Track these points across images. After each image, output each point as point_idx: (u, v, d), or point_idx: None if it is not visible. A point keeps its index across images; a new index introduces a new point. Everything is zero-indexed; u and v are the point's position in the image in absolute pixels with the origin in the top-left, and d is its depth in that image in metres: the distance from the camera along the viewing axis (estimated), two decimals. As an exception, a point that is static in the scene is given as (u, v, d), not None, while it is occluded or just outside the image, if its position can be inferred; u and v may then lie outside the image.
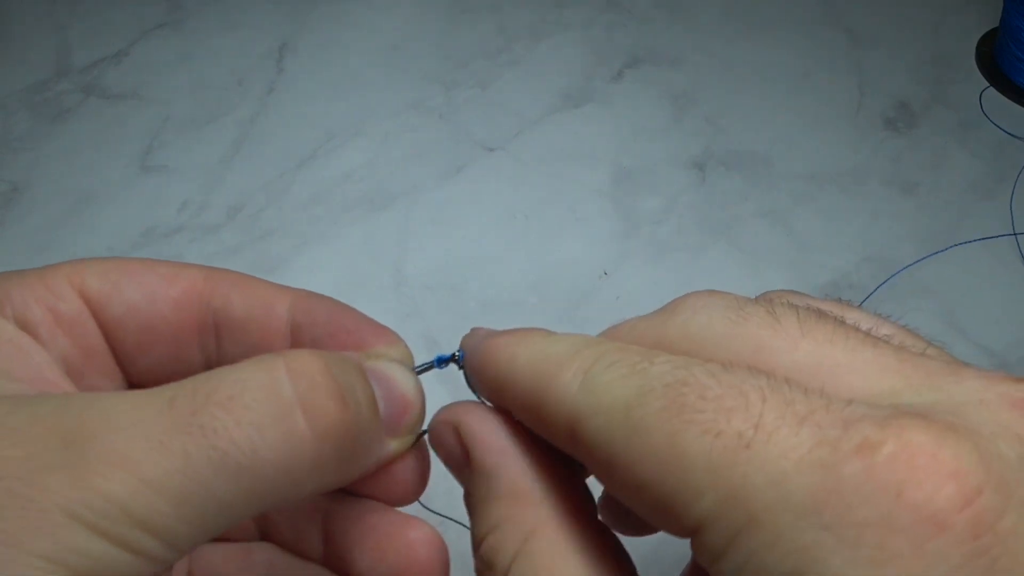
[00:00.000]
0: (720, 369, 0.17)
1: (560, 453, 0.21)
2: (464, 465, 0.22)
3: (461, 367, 0.24)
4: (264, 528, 0.26)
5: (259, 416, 0.18)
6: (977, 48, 0.66)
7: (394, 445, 0.22)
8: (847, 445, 0.15)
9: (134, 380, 0.23)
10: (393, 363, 0.22)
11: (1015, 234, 0.54)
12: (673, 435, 0.17)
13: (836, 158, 0.59)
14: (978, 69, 0.64)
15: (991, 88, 0.63)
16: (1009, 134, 0.60)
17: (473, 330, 0.24)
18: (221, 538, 0.26)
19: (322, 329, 0.23)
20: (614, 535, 0.20)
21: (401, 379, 0.22)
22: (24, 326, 0.21)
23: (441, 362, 0.25)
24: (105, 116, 0.64)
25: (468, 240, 0.55)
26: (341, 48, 0.69)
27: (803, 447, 0.15)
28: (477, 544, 0.21)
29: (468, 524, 0.23)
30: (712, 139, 0.61)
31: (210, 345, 0.23)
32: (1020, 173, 0.57)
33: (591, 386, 0.19)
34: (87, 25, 0.71)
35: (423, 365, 0.24)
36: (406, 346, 0.24)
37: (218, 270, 0.24)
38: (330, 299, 0.24)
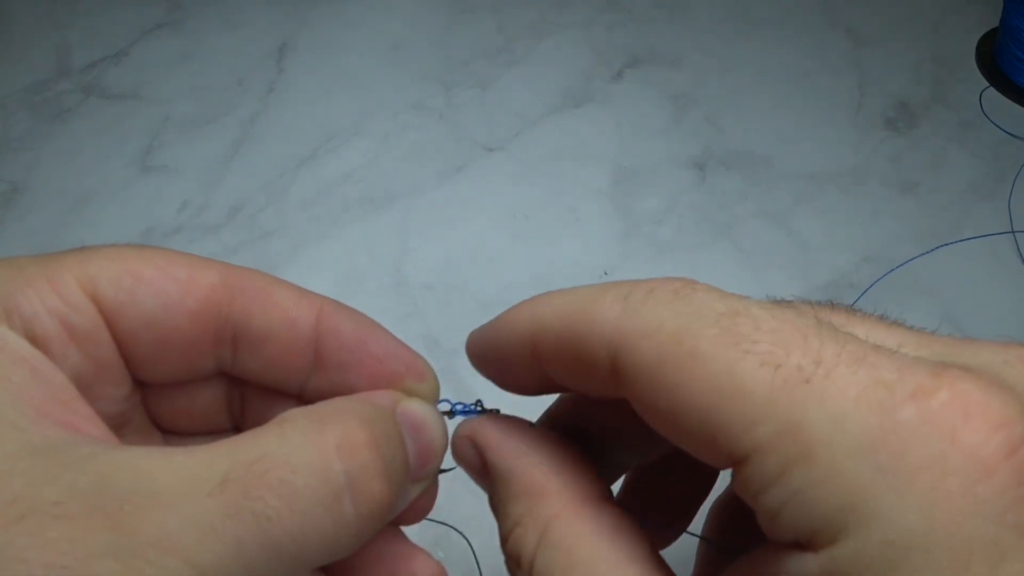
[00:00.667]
0: (771, 304, 0.18)
1: (573, 450, 0.21)
2: (484, 473, 0.22)
3: (482, 410, 0.24)
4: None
5: (311, 504, 0.18)
6: (977, 48, 0.66)
7: (416, 490, 0.21)
8: (903, 389, 0.15)
9: (143, 382, 0.22)
10: (425, 407, 0.22)
11: (1014, 232, 0.54)
12: (731, 363, 0.17)
13: (836, 158, 0.59)
14: (978, 69, 0.64)
15: (991, 88, 0.63)
16: (1009, 134, 0.60)
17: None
18: None
19: (348, 355, 0.22)
20: (632, 519, 0.20)
21: (432, 427, 0.22)
22: (35, 340, 0.20)
23: (465, 413, 0.24)
24: (105, 116, 0.64)
25: (468, 240, 0.55)
26: (341, 48, 0.69)
27: (861, 387, 0.16)
28: (504, 542, 0.21)
29: (463, 532, 0.24)
30: (712, 139, 0.61)
31: (226, 355, 0.22)
32: (1019, 172, 0.57)
33: (634, 310, 0.18)
34: (87, 25, 0.71)
35: (448, 410, 0.24)
36: (435, 378, 0.23)
37: (238, 272, 0.22)
38: (357, 315, 0.23)
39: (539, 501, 0.20)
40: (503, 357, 0.23)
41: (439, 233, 0.56)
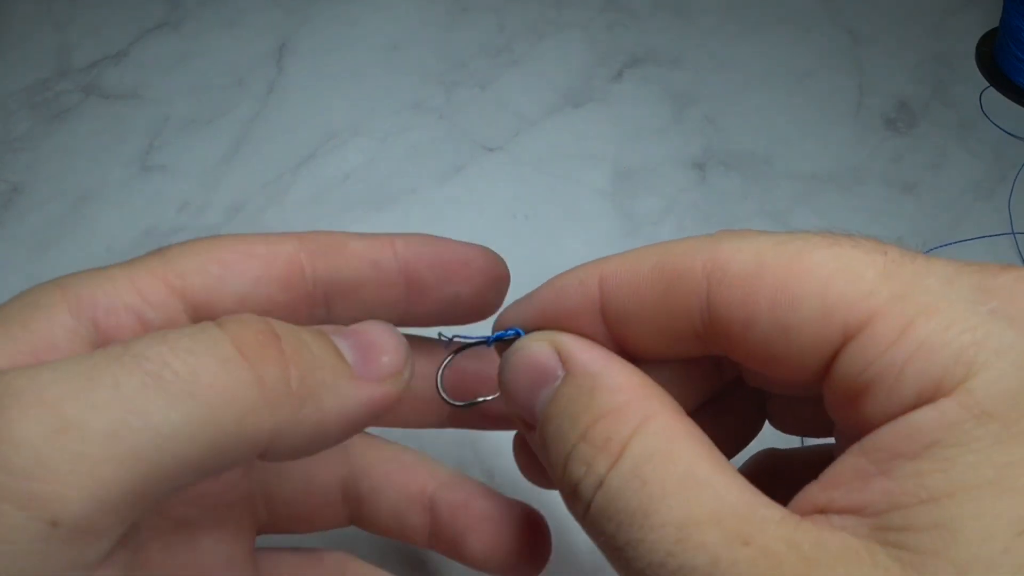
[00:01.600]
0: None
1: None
2: (553, 377, 0.21)
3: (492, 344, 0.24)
4: (359, 512, 0.26)
5: (193, 343, 0.17)
6: (977, 48, 0.66)
7: (381, 389, 0.21)
8: (992, 269, 0.18)
9: None
10: (364, 322, 0.22)
11: (1013, 233, 0.54)
12: (840, 255, 0.19)
13: (836, 158, 0.59)
14: (978, 69, 0.64)
15: (991, 88, 0.63)
16: (1009, 134, 0.60)
17: (511, 307, 0.25)
18: (294, 544, 0.26)
19: (430, 271, 0.25)
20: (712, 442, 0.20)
21: (372, 328, 0.22)
22: (104, 333, 0.20)
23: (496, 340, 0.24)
24: (105, 116, 0.64)
25: (468, 240, 0.55)
26: (341, 48, 0.68)
27: (959, 264, 0.18)
28: (578, 438, 0.20)
29: None
30: (712, 139, 0.61)
31: (320, 312, 0.23)
32: (1019, 173, 0.57)
33: (722, 238, 0.20)
34: (87, 25, 0.71)
35: (475, 339, 0.25)
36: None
37: (311, 237, 0.23)
38: (429, 237, 0.25)
39: (637, 395, 0.20)
40: (560, 326, 0.23)
41: (439, 233, 0.56)
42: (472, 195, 0.58)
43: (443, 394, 0.25)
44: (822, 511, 0.18)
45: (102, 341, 0.20)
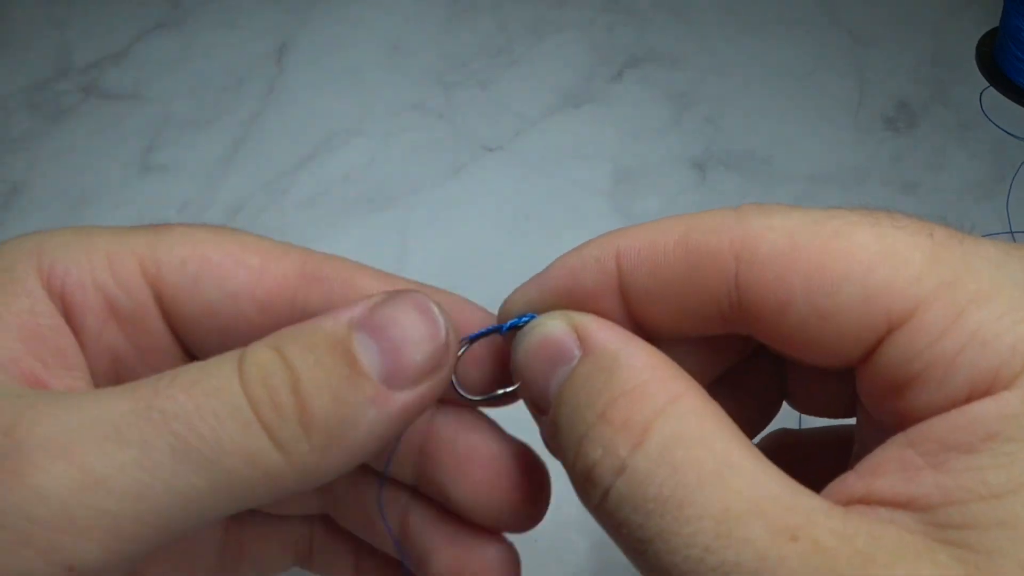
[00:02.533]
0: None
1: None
2: (569, 357, 0.20)
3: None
4: (327, 503, 0.25)
5: (219, 404, 0.17)
6: (977, 48, 0.66)
7: (409, 396, 0.19)
8: None
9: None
10: (393, 306, 0.20)
11: (1012, 233, 0.54)
12: (882, 235, 0.17)
13: (836, 158, 0.59)
14: (978, 69, 0.64)
15: (991, 88, 0.63)
16: (1009, 134, 0.60)
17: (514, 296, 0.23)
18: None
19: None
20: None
21: (406, 319, 0.19)
22: (70, 307, 0.20)
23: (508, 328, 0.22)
24: (105, 116, 0.64)
25: (468, 240, 0.55)
26: (341, 48, 0.68)
27: (1006, 246, 0.17)
28: (596, 417, 0.18)
29: None
30: (712, 139, 0.61)
31: None
32: (1018, 173, 0.57)
33: (752, 209, 0.19)
34: (87, 25, 0.71)
35: (488, 329, 0.22)
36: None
37: (320, 259, 0.22)
38: (454, 298, 0.23)
39: (663, 375, 0.18)
40: (574, 305, 0.21)
41: (439, 233, 0.56)
42: (472, 195, 0.58)
43: (458, 389, 0.23)
44: (863, 502, 0.17)
45: (66, 315, 0.20)
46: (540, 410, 0.20)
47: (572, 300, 0.21)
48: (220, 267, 0.21)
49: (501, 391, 0.22)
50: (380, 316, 0.19)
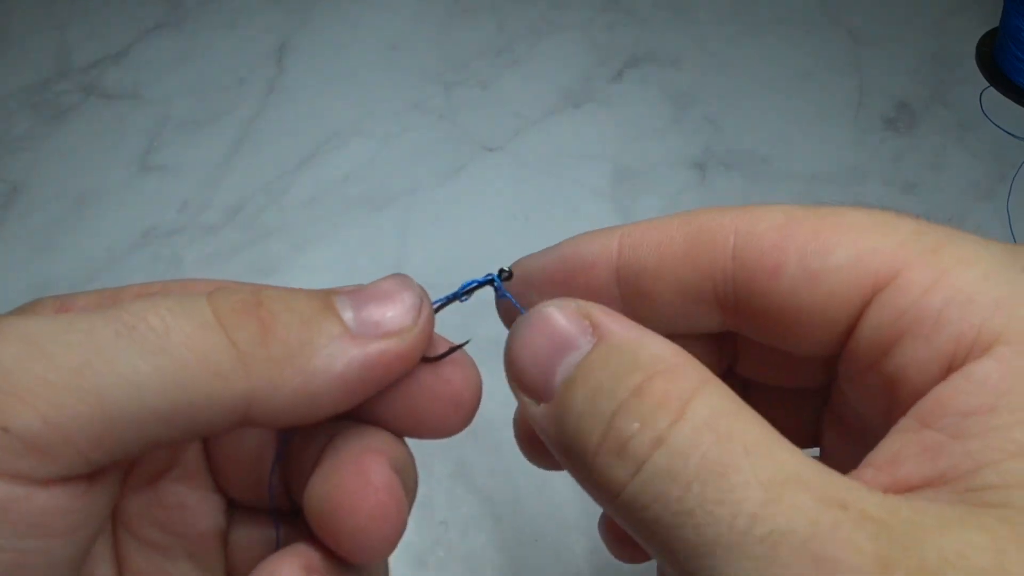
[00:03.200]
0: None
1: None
2: (578, 344, 0.19)
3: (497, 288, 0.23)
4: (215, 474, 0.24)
5: (174, 304, 0.18)
6: (977, 48, 0.66)
7: (381, 344, 0.19)
8: (1011, 249, 0.18)
9: None
10: (386, 277, 0.21)
11: (1012, 233, 0.54)
12: (872, 214, 0.19)
13: (836, 158, 0.59)
14: (978, 69, 0.64)
15: (991, 88, 0.63)
16: (1009, 134, 0.60)
17: (527, 259, 0.23)
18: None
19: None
20: None
21: (383, 282, 0.21)
22: None
23: (482, 283, 0.23)
24: (105, 116, 0.64)
25: (468, 240, 0.55)
26: (341, 48, 0.69)
27: (978, 238, 0.19)
28: (630, 394, 0.18)
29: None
30: (712, 139, 0.61)
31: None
32: (1018, 172, 0.57)
33: (749, 206, 0.20)
34: (87, 25, 0.71)
35: (447, 297, 0.23)
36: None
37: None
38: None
39: (687, 360, 0.18)
40: (572, 283, 0.22)
41: (439, 233, 0.56)
42: (472, 195, 0.58)
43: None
44: (890, 492, 0.16)
45: None
46: (538, 397, 0.20)
47: (573, 274, 0.22)
48: (203, 289, 0.22)
49: (456, 346, 0.22)
50: (363, 285, 0.21)
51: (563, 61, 0.67)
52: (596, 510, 0.44)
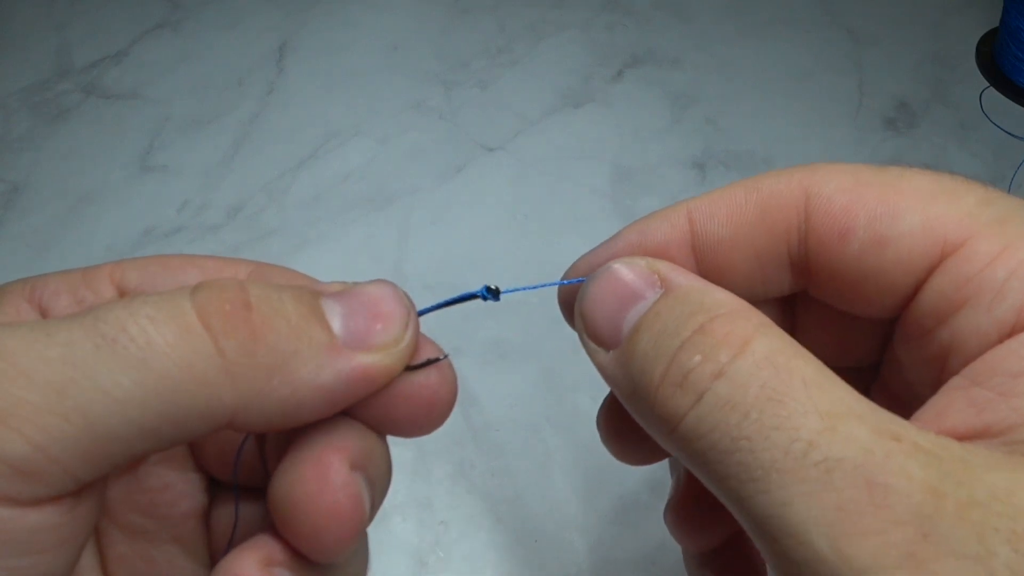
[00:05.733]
0: None
1: None
2: (645, 295, 0.20)
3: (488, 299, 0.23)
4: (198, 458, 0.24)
5: (155, 310, 0.17)
6: (977, 48, 0.66)
7: (368, 359, 0.19)
8: None
9: None
10: (365, 283, 0.21)
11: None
12: (940, 179, 0.19)
13: (836, 158, 0.59)
14: (978, 69, 0.64)
15: (991, 88, 0.63)
16: (1009, 134, 0.60)
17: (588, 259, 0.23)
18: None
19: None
20: None
21: (374, 290, 0.20)
22: (45, 311, 0.21)
23: (485, 296, 0.23)
24: (105, 116, 0.64)
25: (468, 240, 0.55)
26: (341, 48, 0.69)
27: None
28: (693, 331, 0.18)
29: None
30: (712, 139, 0.61)
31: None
32: (1016, 173, 0.57)
33: (816, 164, 0.21)
34: (87, 25, 0.71)
35: (461, 296, 0.23)
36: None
37: (267, 267, 0.22)
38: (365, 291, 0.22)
39: (748, 307, 0.19)
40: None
41: (439, 233, 0.56)
42: (472, 195, 0.58)
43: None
44: None
45: (43, 315, 0.21)
46: (607, 345, 0.21)
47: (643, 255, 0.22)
48: (177, 268, 0.22)
49: (433, 359, 0.22)
50: (349, 288, 0.20)
51: (563, 61, 0.67)
52: (596, 510, 0.44)
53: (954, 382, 0.18)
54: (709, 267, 0.22)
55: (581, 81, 0.65)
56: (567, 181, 0.58)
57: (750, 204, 0.21)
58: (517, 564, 0.41)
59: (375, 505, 0.21)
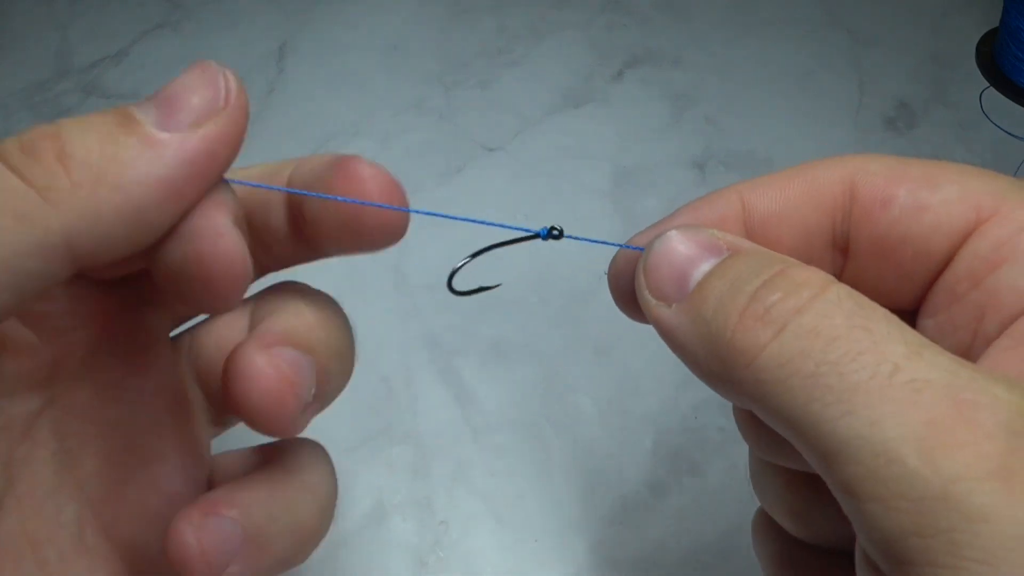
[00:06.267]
0: None
1: None
2: (716, 253, 0.21)
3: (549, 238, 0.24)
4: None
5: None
6: (977, 48, 0.66)
7: (195, 135, 0.19)
8: None
9: None
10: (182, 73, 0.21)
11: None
12: (974, 167, 0.22)
13: (836, 158, 0.59)
14: (978, 69, 0.64)
15: (991, 88, 0.63)
16: (1009, 134, 0.60)
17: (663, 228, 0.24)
18: None
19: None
20: None
21: (181, 77, 0.21)
22: None
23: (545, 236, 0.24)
24: (105, 116, 0.64)
25: (468, 240, 0.55)
26: (341, 48, 0.69)
27: None
28: (773, 274, 0.19)
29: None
30: (712, 139, 0.61)
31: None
32: (1016, 173, 0.57)
33: (861, 155, 0.22)
34: (87, 25, 0.71)
35: (520, 235, 0.24)
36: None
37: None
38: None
39: (816, 267, 0.20)
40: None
41: (439, 233, 0.56)
42: (472, 195, 0.58)
43: (451, 286, 0.25)
44: None
45: None
46: (668, 298, 0.21)
47: None
48: None
49: (486, 287, 0.23)
50: (159, 89, 0.20)
51: (563, 61, 0.67)
52: (596, 510, 0.44)
53: (1000, 343, 0.19)
54: (759, 243, 0.22)
55: (581, 81, 0.65)
56: (567, 181, 0.58)
57: (799, 181, 0.22)
58: (517, 564, 0.41)
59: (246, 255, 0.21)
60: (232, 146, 0.20)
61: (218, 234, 0.19)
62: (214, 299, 0.20)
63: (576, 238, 0.24)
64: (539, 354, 0.48)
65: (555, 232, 0.24)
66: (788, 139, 0.61)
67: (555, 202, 0.57)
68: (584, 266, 0.52)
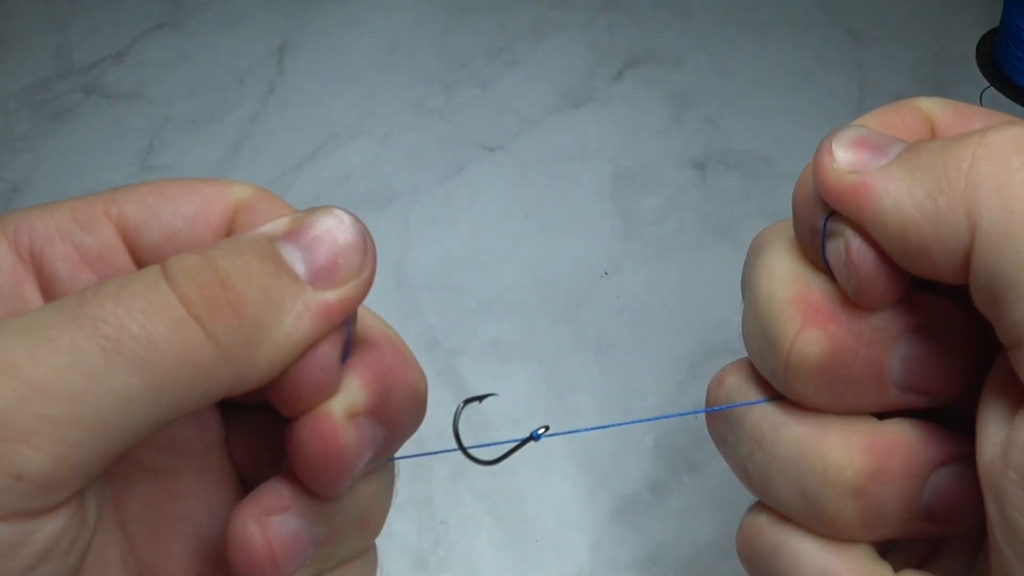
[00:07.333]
0: None
1: None
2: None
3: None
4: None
5: (146, 303, 0.17)
6: (977, 48, 0.66)
7: (333, 295, 0.20)
8: None
9: None
10: (314, 212, 0.21)
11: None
12: None
13: (836, 158, 0.60)
14: (978, 69, 0.64)
15: (991, 88, 0.63)
16: (1009, 134, 0.60)
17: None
18: None
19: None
20: None
21: (327, 223, 0.21)
22: (40, 260, 0.20)
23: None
24: (105, 116, 0.64)
25: (468, 240, 0.55)
26: (341, 48, 0.69)
27: None
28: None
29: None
30: (712, 139, 0.61)
31: None
32: (1020, 173, 0.57)
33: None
34: (87, 25, 0.71)
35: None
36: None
37: (266, 193, 0.23)
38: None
39: None
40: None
41: (439, 233, 0.56)
42: (472, 195, 0.58)
43: (464, 449, 0.24)
44: None
45: (40, 268, 0.20)
46: (865, 166, 0.22)
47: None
48: (176, 196, 0.22)
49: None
50: (301, 224, 0.20)
51: (563, 61, 0.67)
52: (596, 510, 0.44)
53: None
54: None
55: (581, 81, 0.65)
56: (567, 181, 0.58)
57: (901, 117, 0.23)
58: (517, 564, 0.41)
59: (393, 438, 0.21)
60: (352, 311, 0.20)
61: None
62: (314, 478, 0.20)
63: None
64: (539, 354, 0.48)
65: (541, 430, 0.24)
66: (788, 139, 0.61)
67: (555, 202, 0.57)
68: (584, 266, 0.52)
